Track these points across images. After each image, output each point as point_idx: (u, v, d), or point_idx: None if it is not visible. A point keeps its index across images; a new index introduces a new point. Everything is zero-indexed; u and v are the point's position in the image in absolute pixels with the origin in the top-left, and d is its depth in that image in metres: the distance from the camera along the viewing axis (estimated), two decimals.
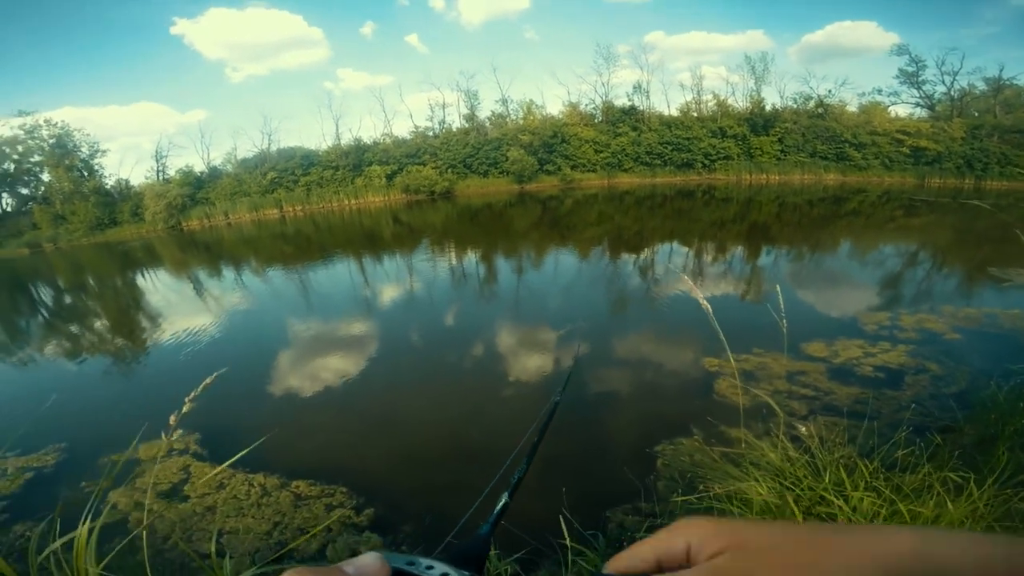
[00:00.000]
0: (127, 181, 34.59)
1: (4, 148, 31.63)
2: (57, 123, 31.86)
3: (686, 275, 2.19)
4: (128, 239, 29.63)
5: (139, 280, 17.91)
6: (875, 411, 4.82)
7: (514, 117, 37.57)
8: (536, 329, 8.24)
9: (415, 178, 32.94)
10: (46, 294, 18.18)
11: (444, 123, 38.52)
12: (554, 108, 45.62)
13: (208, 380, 1.71)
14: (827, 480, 1.82)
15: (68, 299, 16.55)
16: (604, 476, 4.30)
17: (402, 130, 44.57)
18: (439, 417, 5.69)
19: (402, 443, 5.23)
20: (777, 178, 31.36)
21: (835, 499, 1.78)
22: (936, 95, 32.56)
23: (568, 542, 2.23)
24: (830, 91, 33.81)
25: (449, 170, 34.48)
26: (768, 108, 34.22)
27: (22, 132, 31.44)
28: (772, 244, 15.51)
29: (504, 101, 38.02)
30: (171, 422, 1.58)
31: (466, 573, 0.40)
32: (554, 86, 65.90)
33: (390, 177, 34.20)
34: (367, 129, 65.66)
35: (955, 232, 16.66)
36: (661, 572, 0.40)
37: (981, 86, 30.48)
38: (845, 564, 0.32)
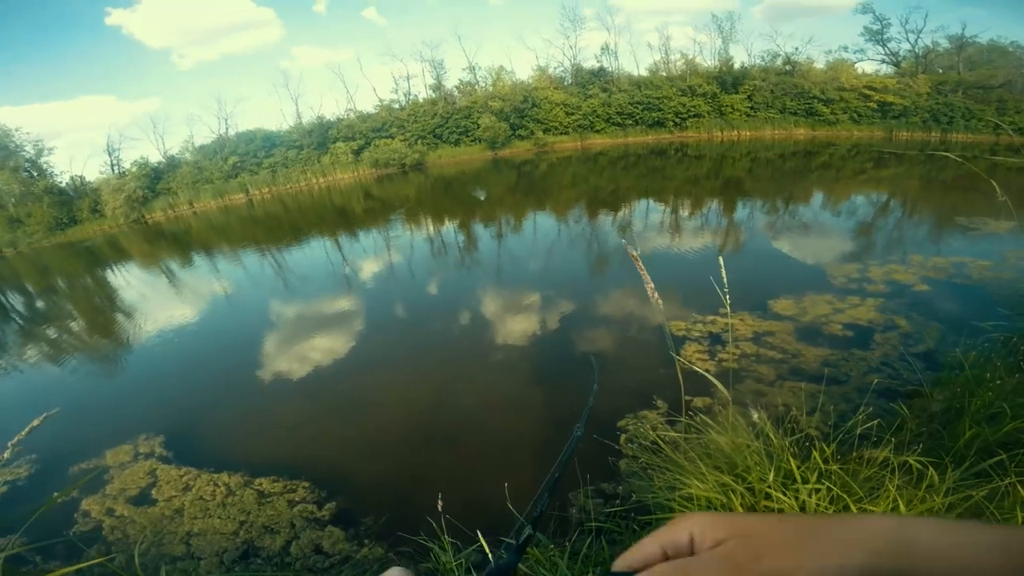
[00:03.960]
0: (82, 178, 32.73)
1: None
2: None
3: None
4: (91, 237, 28.39)
5: (108, 276, 17.25)
6: (844, 374, 4.75)
7: (483, 84, 36.57)
8: (505, 304, 8.05)
9: (384, 152, 32.13)
10: (16, 300, 17.35)
11: (410, 95, 37.35)
12: (523, 73, 44.54)
13: (36, 421, 1.47)
14: (772, 476, 1.66)
15: (40, 303, 15.90)
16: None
17: (366, 104, 42.89)
18: (406, 403, 5.50)
19: (367, 432, 5.08)
20: (748, 134, 31.28)
21: (783, 495, 1.65)
22: (901, 52, 32.69)
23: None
24: (797, 49, 33.81)
25: (419, 141, 33.73)
26: (736, 66, 33.87)
27: None
28: (746, 198, 15.45)
29: (472, 69, 36.95)
30: None
31: None
32: (522, 51, 64.05)
33: (357, 152, 33.35)
34: (329, 106, 63.12)
35: (923, 182, 16.82)
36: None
37: (944, 44, 30.74)
38: (835, 548, 0.37)
